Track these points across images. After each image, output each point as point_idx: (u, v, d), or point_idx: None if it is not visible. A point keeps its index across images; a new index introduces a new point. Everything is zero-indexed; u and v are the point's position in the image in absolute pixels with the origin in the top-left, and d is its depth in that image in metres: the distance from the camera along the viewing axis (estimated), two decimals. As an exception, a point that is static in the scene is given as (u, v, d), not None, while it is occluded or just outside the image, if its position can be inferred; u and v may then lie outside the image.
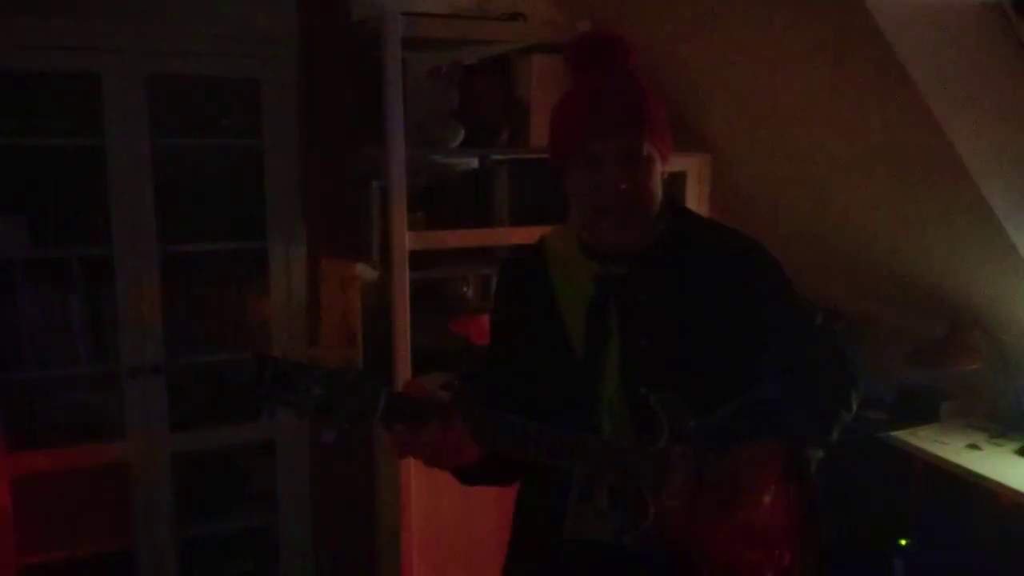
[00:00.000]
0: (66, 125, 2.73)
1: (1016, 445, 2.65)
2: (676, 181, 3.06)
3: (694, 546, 1.44)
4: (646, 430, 1.44)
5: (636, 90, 1.48)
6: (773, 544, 1.48)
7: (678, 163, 3.04)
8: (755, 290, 1.51)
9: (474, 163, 3.05)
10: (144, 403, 2.81)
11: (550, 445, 1.40)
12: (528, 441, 1.39)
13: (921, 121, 2.24)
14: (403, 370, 2.67)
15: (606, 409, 1.48)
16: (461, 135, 2.79)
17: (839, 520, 2.93)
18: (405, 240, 2.61)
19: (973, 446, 2.67)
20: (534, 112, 2.78)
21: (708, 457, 1.43)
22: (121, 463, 2.82)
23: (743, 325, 1.48)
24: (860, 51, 2.22)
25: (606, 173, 1.44)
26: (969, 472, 2.52)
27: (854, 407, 1.54)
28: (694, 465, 1.42)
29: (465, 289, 3.20)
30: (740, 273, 1.51)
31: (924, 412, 2.89)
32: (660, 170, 1.49)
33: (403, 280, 2.62)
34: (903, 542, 2.80)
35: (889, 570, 2.81)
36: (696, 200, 3.07)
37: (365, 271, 2.90)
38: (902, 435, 2.77)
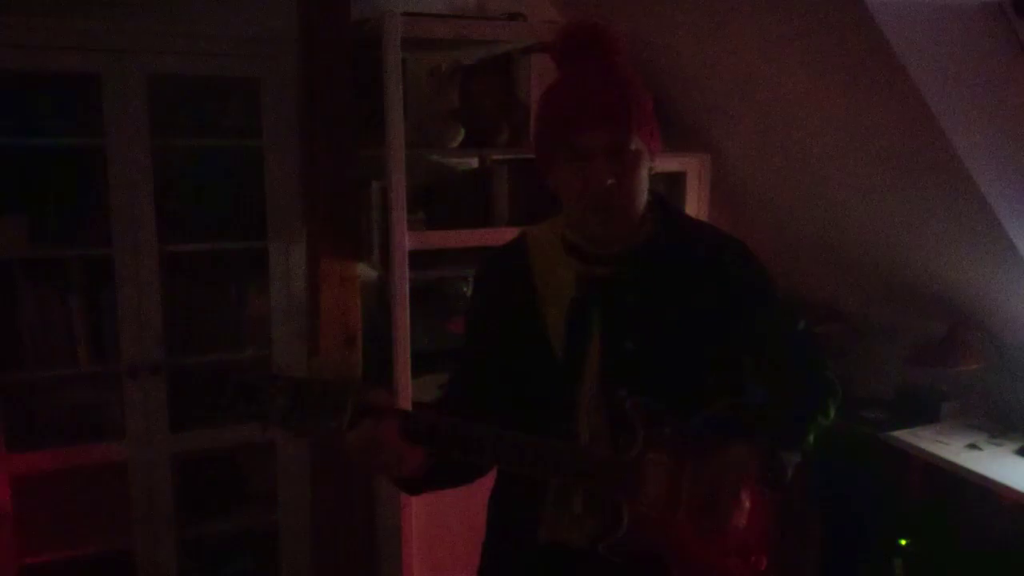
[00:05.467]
0: (66, 125, 2.73)
1: (1016, 445, 2.65)
2: (676, 181, 3.06)
3: (669, 553, 1.42)
4: (624, 434, 1.41)
5: (623, 83, 1.41)
6: (749, 549, 1.47)
7: (678, 163, 3.04)
8: (739, 294, 1.48)
9: (474, 163, 3.05)
10: (144, 403, 2.81)
11: (513, 454, 1.36)
12: (484, 449, 1.35)
13: (921, 121, 2.24)
14: (403, 370, 2.67)
15: (583, 412, 1.44)
16: (461, 135, 2.79)
17: (839, 520, 2.94)
18: (405, 240, 2.61)
19: (973, 446, 2.67)
20: (534, 112, 2.78)
21: (684, 463, 1.41)
22: (121, 463, 2.82)
23: (726, 330, 1.46)
24: (860, 51, 2.22)
25: (592, 168, 1.38)
26: (969, 472, 2.52)
27: (831, 413, 1.53)
28: (669, 472, 1.40)
29: (465, 289, 3.19)
30: (725, 277, 1.48)
31: (924, 412, 2.89)
32: (648, 165, 1.44)
33: (403, 280, 2.62)
34: (903, 542, 2.80)
35: (889, 570, 2.80)
36: (696, 200, 3.06)
37: (365, 271, 2.89)
38: (902, 435, 2.77)
